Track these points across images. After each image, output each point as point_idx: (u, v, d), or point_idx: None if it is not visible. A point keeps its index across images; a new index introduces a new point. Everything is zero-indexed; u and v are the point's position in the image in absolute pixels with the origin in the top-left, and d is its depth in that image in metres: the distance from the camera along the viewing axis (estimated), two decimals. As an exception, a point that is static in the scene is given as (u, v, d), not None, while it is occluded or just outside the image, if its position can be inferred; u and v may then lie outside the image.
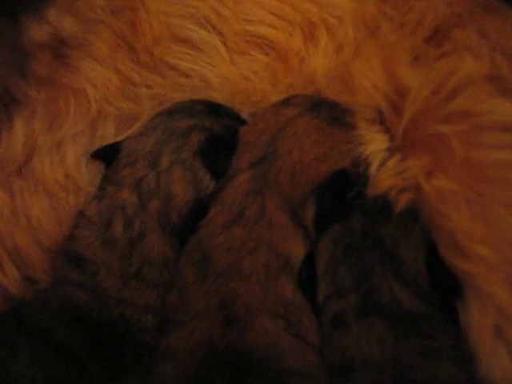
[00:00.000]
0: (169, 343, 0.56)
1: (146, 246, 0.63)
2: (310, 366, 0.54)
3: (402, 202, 0.57)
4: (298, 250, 0.58)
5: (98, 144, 0.71)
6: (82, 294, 0.60)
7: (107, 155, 0.69)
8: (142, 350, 0.58)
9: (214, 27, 0.78)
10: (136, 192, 0.65)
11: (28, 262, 0.65)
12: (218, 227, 0.60)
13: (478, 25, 0.72)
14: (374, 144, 0.63)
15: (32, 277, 0.66)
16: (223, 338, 0.53)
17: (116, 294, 0.61)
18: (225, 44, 0.78)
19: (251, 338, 0.53)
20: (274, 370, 0.52)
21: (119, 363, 0.57)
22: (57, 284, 0.63)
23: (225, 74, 0.77)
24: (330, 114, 0.65)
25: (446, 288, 0.55)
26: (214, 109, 0.73)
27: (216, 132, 0.69)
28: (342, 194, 0.60)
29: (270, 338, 0.54)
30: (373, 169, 0.61)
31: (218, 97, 0.76)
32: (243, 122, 0.73)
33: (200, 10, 0.77)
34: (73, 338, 0.56)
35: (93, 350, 0.56)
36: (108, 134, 0.73)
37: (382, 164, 0.61)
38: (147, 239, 0.62)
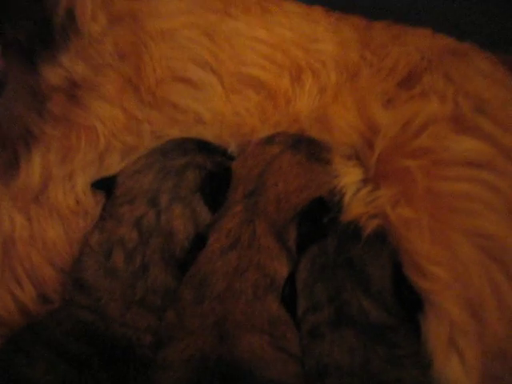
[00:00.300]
0: (166, 356, 0.62)
1: (150, 278, 0.68)
2: (290, 376, 0.60)
3: (371, 227, 0.64)
4: (282, 270, 0.65)
5: (105, 173, 0.78)
6: (88, 315, 0.66)
7: (106, 186, 0.76)
8: (143, 363, 0.64)
9: (212, 69, 0.86)
10: (136, 229, 0.70)
11: (42, 281, 0.71)
12: (215, 253, 0.67)
13: (445, 69, 0.80)
14: (348, 176, 0.71)
15: (46, 295, 0.73)
16: (215, 351, 0.59)
17: (119, 318, 0.66)
18: (221, 83, 0.86)
19: (239, 352, 0.59)
20: (259, 379, 0.57)
21: (124, 373, 0.62)
22: (67, 305, 0.69)
23: (220, 110, 0.85)
24: (309, 150, 0.73)
25: (409, 303, 0.62)
26: (204, 146, 0.80)
27: (211, 169, 0.76)
28: (319, 219, 0.68)
29: (255, 352, 0.59)
30: (346, 198, 0.69)
31: (210, 130, 0.84)
32: (231, 158, 0.80)
33: (199, 53, 0.86)
34: (83, 350, 0.62)
35: (101, 361, 0.62)
36: (113, 164, 0.79)
37: (355, 194, 0.69)
38: (150, 272, 0.68)
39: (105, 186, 0.76)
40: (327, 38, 0.91)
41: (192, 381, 0.57)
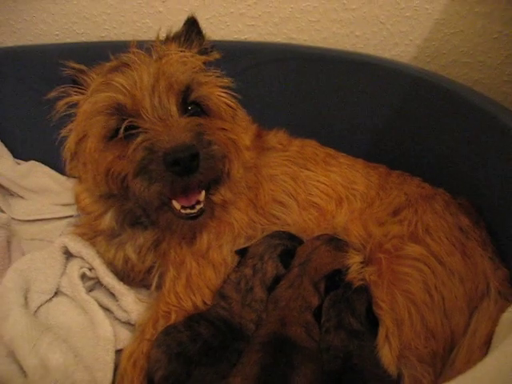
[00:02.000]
0: (258, 333, 1.30)
1: (254, 293, 1.36)
2: (313, 347, 1.25)
3: (359, 284, 1.30)
4: (315, 301, 1.33)
5: (235, 248, 1.48)
6: (224, 312, 1.34)
7: (241, 252, 1.46)
8: (247, 337, 1.31)
9: (294, 197, 1.53)
10: (252, 270, 1.39)
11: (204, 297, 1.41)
12: (283, 288, 1.36)
13: (416, 207, 1.44)
14: (353, 259, 1.37)
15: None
16: (279, 331, 1.25)
17: (238, 313, 1.34)
18: (298, 205, 1.53)
19: (290, 333, 1.25)
20: (299, 347, 1.23)
21: (238, 339, 1.30)
22: (214, 305, 1.37)
23: (296, 219, 1.52)
24: (336, 245, 1.41)
25: (373, 321, 1.25)
26: (290, 236, 1.49)
27: (288, 247, 1.46)
28: (336, 279, 1.36)
29: (298, 334, 1.25)
30: (350, 270, 1.35)
31: (293, 230, 1.51)
32: (301, 243, 1.50)
33: (287, 188, 1.54)
34: (221, 326, 1.29)
35: (229, 333, 1.28)
36: (240, 244, 1.47)
37: (355, 268, 1.35)
38: (254, 290, 1.37)
39: (242, 252, 1.47)
40: (360, 182, 1.58)
41: (267, 343, 1.24)
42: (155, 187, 1.17)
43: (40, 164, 2.14)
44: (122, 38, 2.09)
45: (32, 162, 2.14)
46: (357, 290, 1.31)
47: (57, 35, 2.15)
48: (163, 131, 1.17)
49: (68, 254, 1.54)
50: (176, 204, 1.25)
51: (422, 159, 1.72)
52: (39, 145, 2.06)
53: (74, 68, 1.34)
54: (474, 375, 0.85)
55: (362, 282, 1.31)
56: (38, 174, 2.10)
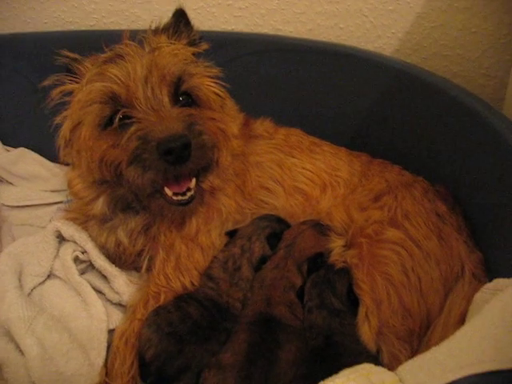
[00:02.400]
0: (245, 313, 1.35)
1: (241, 272, 1.41)
2: (297, 325, 1.31)
3: (340, 266, 1.37)
4: (298, 282, 1.39)
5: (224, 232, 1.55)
6: (211, 292, 1.39)
7: (231, 234, 1.52)
8: (234, 315, 1.36)
9: (280, 183, 1.60)
10: (240, 249, 1.45)
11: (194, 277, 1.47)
12: (268, 269, 1.42)
13: (396, 194, 1.51)
14: (336, 243, 1.44)
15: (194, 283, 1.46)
16: (264, 310, 1.31)
17: (226, 292, 1.38)
18: (284, 191, 1.59)
19: (275, 312, 1.31)
20: (283, 324, 1.29)
21: (224, 318, 1.35)
22: (201, 287, 1.43)
23: (283, 204, 1.59)
24: (320, 229, 1.48)
25: (353, 300, 1.32)
26: (278, 219, 1.55)
27: (276, 230, 1.52)
28: (318, 262, 1.43)
29: (282, 313, 1.31)
30: (333, 253, 1.43)
31: (281, 215, 1.57)
32: (288, 227, 1.56)
33: (274, 175, 1.59)
34: (209, 305, 1.34)
35: (216, 311, 1.34)
36: (228, 227, 1.53)
37: (337, 251, 1.42)
38: (242, 270, 1.42)
39: (232, 233, 1.53)
40: (343, 169, 1.64)
41: (254, 322, 1.30)
42: (148, 175, 1.22)
43: (29, 151, 2.16)
44: (111, 27, 2.12)
45: (21, 149, 2.16)
46: (338, 272, 1.38)
47: (45, 23, 2.17)
48: (156, 121, 1.22)
49: (61, 238, 1.58)
50: (168, 191, 1.30)
51: (403, 148, 1.79)
52: (29, 132, 2.09)
53: (68, 57, 1.37)
54: (447, 346, 0.93)
55: (343, 265, 1.38)
56: (27, 160, 2.13)
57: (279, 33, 2.04)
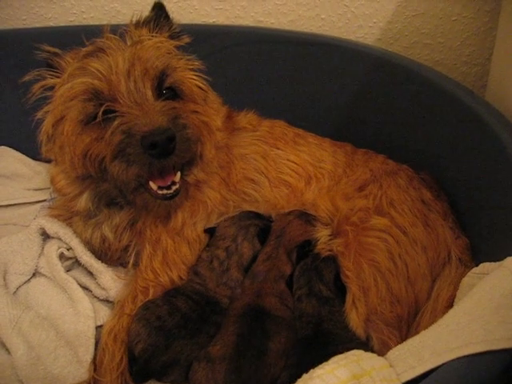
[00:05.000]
0: (233, 306, 1.34)
1: (230, 274, 1.39)
2: (287, 315, 1.31)
3: (327, 254, 1.37)
4: (288, 270, 1.39)
5: (209, 224, 1.51)
6: (199, 287, 1.38)
7: (210, 231, 1.50)
8: (222, 309, 1.35)
9: (265, 174, 1.59)
10: (225, 252, 1.43)
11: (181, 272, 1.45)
12: (260, 261, 1.42)
13: (381, 183, 1.51)
14: (322, 232, 1.43)
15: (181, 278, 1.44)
16: (254, 302, 1.31)
17: (213, 289, 1.37)
18: (269, 182, 1.59)
19: (265, 303, 1.30)
20: (273, 316, 1.29)
21: (214, 312, 1.34)
22: (189, 281, 1.42)
23: (267, 196, 1.58)
24: (307, 219, 1.48)
25: (340, 288, 1.32)
26: (257, 215, 1.54)
27: (262, 227, 1.51)
28: (306, 249, 1.43)
29: (273, 304, 1.31)
30: (319, 241, 1.42)
31: (262, 207, 1.56)
32: (271, 221, 1.55)
33: (259, 166, 1.59)
34: (197, 299, 1.33)
35: (205, 305, 1.34)
36: (213, 220, 1.52)
37: (323, 240, 1.42)
38: (230, 271, 1.40)
39: (211, 231, 1.52)
40: (328, 160, 1.64)
41: (243, 315, 1.29)
42: (133, 169, 1.22)
43: (11, 149, 2.13)
44: (91, 22, 2.09)
45: (2, 148, 2.13)
46: (324, 260, 1.38)
47: (24, 20, 2.14)
48: (140, 115, 1.21)
49: (45, 236, 1.56)
50: (153, 185, 1.29)
51: (387, 137, 1.79)
52: (9, 130, 2.06)
53: (48, 51, 1.36)
54: (436, 329, 0.94)
55: (329, 253, 1.38)
56: (8, 159, 2.10)
57: (261, 24, 2.04)
